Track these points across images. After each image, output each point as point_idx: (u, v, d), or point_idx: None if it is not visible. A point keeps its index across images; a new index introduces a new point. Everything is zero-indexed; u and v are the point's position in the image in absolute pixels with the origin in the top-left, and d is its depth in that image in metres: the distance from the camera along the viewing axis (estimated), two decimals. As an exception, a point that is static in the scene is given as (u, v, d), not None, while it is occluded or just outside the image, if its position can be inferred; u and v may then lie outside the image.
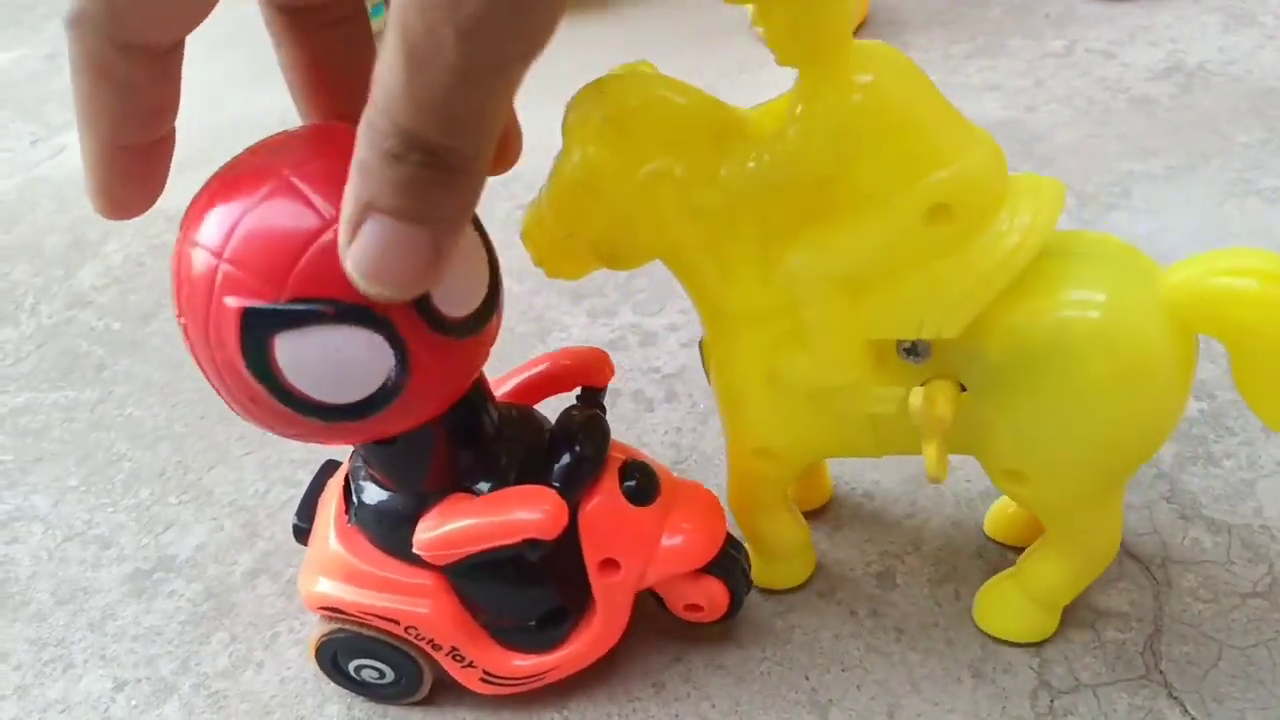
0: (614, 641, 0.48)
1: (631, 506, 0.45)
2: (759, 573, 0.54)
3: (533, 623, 0.47)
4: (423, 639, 0.46)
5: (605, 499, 0.44)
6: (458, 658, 0.47)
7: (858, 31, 0.99)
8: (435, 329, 0.36)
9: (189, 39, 0.34)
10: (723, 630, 0.52)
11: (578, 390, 0.49)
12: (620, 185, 0.41)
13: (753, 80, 0.94)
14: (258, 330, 0.33)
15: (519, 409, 0.47)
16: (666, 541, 0.46)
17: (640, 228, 0.42)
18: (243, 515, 0.63)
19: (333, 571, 0.45)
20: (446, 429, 0.41)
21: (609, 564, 0.45)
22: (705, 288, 0.44)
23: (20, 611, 0.59)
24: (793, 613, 0.53)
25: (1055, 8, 0.97)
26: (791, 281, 0.42)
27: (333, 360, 0.34)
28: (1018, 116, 0.85)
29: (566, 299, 0.75)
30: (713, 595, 0.49)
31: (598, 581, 0.46)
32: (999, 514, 0.56)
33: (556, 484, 0.43)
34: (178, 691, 0.54)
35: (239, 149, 0.36)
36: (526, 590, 0.46)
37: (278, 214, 0.33)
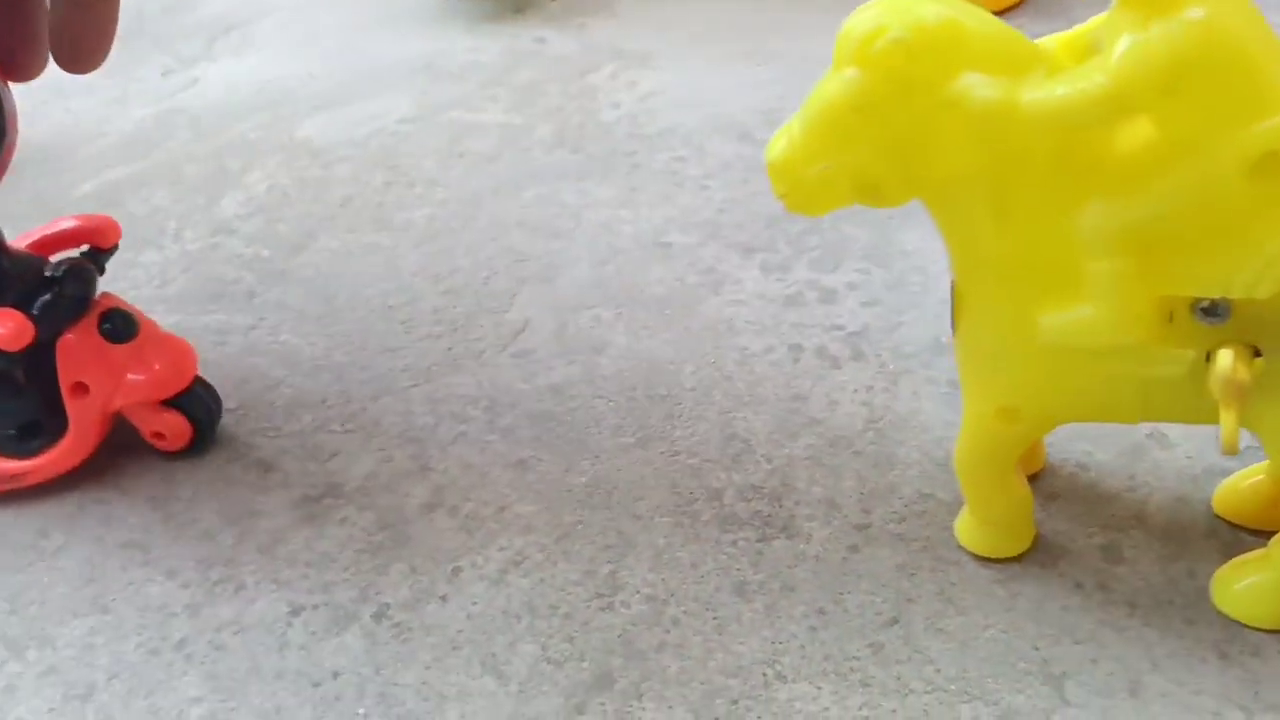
0: (85, 455, 0.58)
1: (106, 343, 0.55)
2: (979, 540, 0.51)
3: (13, 431, 0.57)
4: None
5: (82, 334, 0.54)
6: None
7: (1011, 10, 0.96)
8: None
9: None
10: (940, 592, 0.49)
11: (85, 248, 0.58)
12: (902, 111, 0.38)
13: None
14: None
15: (29, 256, 0.55)
16: (132, 375, 0.56)
17: (917, 158, 0.39)
18: (412, 447, 0.60)
19: None
20: None
21: (79, 387, 0.56)
22: (972, 231, 0.41)
23: (187, 530, 0.57)
24: (1014, 581, 0.50)
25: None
26: (1086, 230, 0.38)
27: None
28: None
29: (736, 252, 0.72)
30: (174, 426, 0.58)
31: (70, 402, 0.56)
32: (1231, 491, 0.52)
33: (34, 312, 0.52)
34: (358, 620, 0.51)
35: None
36: (8, 401, 0.56)
37: None
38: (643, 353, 0.65)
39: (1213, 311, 0.40)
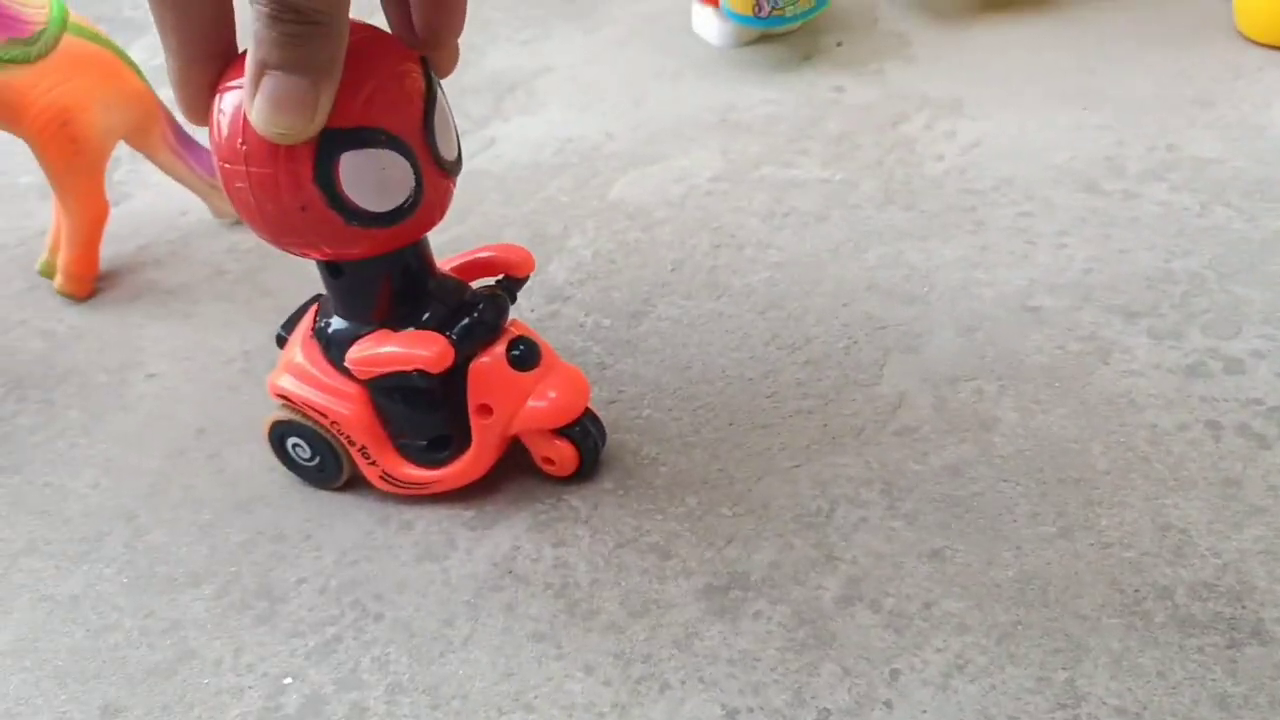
0: (483, 472, 0.61)
1: (511, 369, 0.57)
2: None
3: (424, 443, 0.61)
4: (342, 434, 0.60)
5: (492, 358, 0.57)
6: (365, 455, 0.61)
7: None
8: (439, 165, 0.51)
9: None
10: None
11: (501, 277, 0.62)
12: None
13: (1252, 85, 0.85)
14: (329, 148, 0.47)
15: (453, 280, 0.59)
16: (533, 403, 0.58)
17: None
18: (811, 534, 0.58)
19: (293, 371, 0.60)
20: (391, 281, 0.55)
21: (484, 409, 0.58)
22: None
23: (593, 620, 0.55)
24: None
25: None
26: None
27: (378, 176, 0.49)
28: None
29: (1118, 317, 0.67)
30: (563, 454, 0.61)
31: (475, 421, 0.59)
32: None
33: (453, 336, 0.56)
34: (802, 727, 0.48)
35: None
36: (423, 415, 0.59)
37: (353, 66, 0.46)
38: (1039, 430, 0.61)
39: None
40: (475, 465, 0.61)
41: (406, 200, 0.51)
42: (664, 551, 0.58)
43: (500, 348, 0.58)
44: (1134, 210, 0.76)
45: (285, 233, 0.51)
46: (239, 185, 0.49)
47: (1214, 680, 0.48)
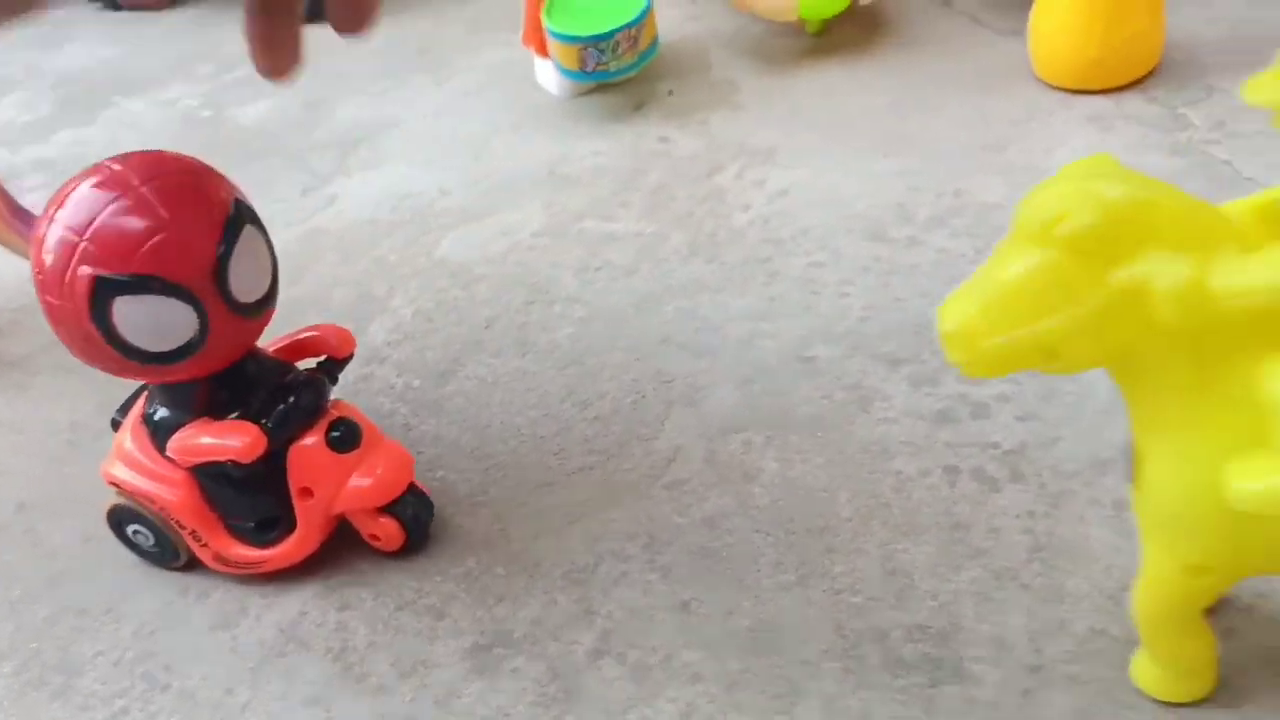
0: (310, 550, 0.63)
1: (331, 451, 0.59)
2: (1160, 685, 0.50)
3: (253, 524, 0.63)
4: (172, 518, 0.62)
5: (312, 442, 0.59)
6: (196, 538, 0.63)
7: (1148, 76, 0.94)
8: (231, 309, 0.55)
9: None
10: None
11: (321, 359, 0.64)
12: (1089, 291, 0.38)
13: (1047, 129, 0.90)
14: (104, 292, 0.51)
15: (273, 362, 0.62)
16: (354, 482, 0.60)
17: (1103, 333, 0.39)
18: (575, 590, 0.61)
19: (124, 459, 0.63)
20: (209, 378, 0.58)
21: (305, 491, 0.60)
22: (1157, 395, 0.41)
23: (364, 684, 0.58)
24: (1202, 728, 0.49)
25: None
26: (1273, 405, 0.38)
27: (154, 321, 0.53)
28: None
29: (883, 364, 0.72)
30: (389, 531, 0.62)
31: (298, 503, 0.61)
32: None
33: (268, 424, 0.58)
34: (538, 780, 0.52)
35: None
36: (249, 498, 0.62)
37: (128, 212, 0.52)
38: (796, 480, 0.65)
39: None
40: (302, 544, 0.63)
41: (187, 342, 0.54)
42: (439, 612, 0.62)
43: (320, 431, 0.60)
44: (915, 257, 0.80)
45: (80, 354, 0.55)
46: (42, 307, 0.54)
47: (913, 719, 0.51)
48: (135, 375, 0.56)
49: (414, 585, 0.63)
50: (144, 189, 0.53)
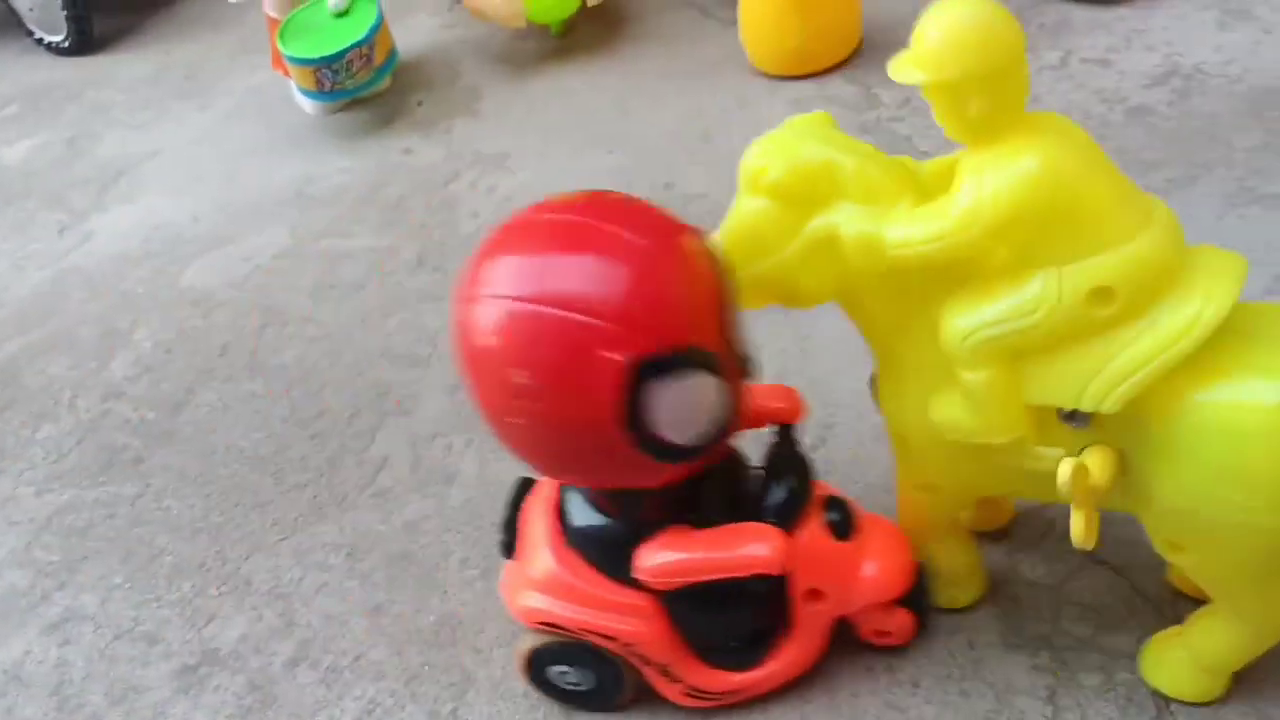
0: (811, 664, 0.51)
1: (834, 540, 0.48)
2: (940, 594, 0.55)
3: (734, 643, 0.51)
4: (636, 655, 0.49)
5: (812, 532, 0.48)
6: (666, 674, 0.50)
7: (851, 57, 1.00)
8: (740, 371, 0.44)
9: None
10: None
11: (774, 427, 0.52)
12: (792, 234, 0.46)
13: (754, 115, 0.95)
14: (639, 380, 0.39)
15: (723, 446, 0.48)
16: (865, 573, 0.49)
17: (805, 277, 0.46)
18: (280, 604, 0.65)
19: (550, 589, 0.49)
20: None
21: (814, 593, 0.49)
22: (874, 331, 0.49)
23: (78, 714, 0.62)
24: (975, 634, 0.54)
25: (1050, 16, 0.98)
26: (951, 345, 0.45)
27: (690, 403, 0.41)
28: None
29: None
30: (902, 623, 0.52)
31: (802, 609, 0.49)
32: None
33: (772, 519, 0.47)
34: (228, 788, 0.56)
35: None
36: (732, 614, 0.49)
37: (641, 271, 0.41)
38: (490, 478, 0.69)
39: (1073, 418, 0.45)
40: (803, 658, 0.52)
41: (720, 424, 0.44)
42: (153, 638, 0.65)
43: (816, 518, 0.50)
44: (622, 252, 0.85)
45: (567, 471, 0.46)
46: (513, 421, 0.43)
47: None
48: (648, 479, 0.44)
49: (132, 614, 0.66)
50: (638, 240, 0.42)
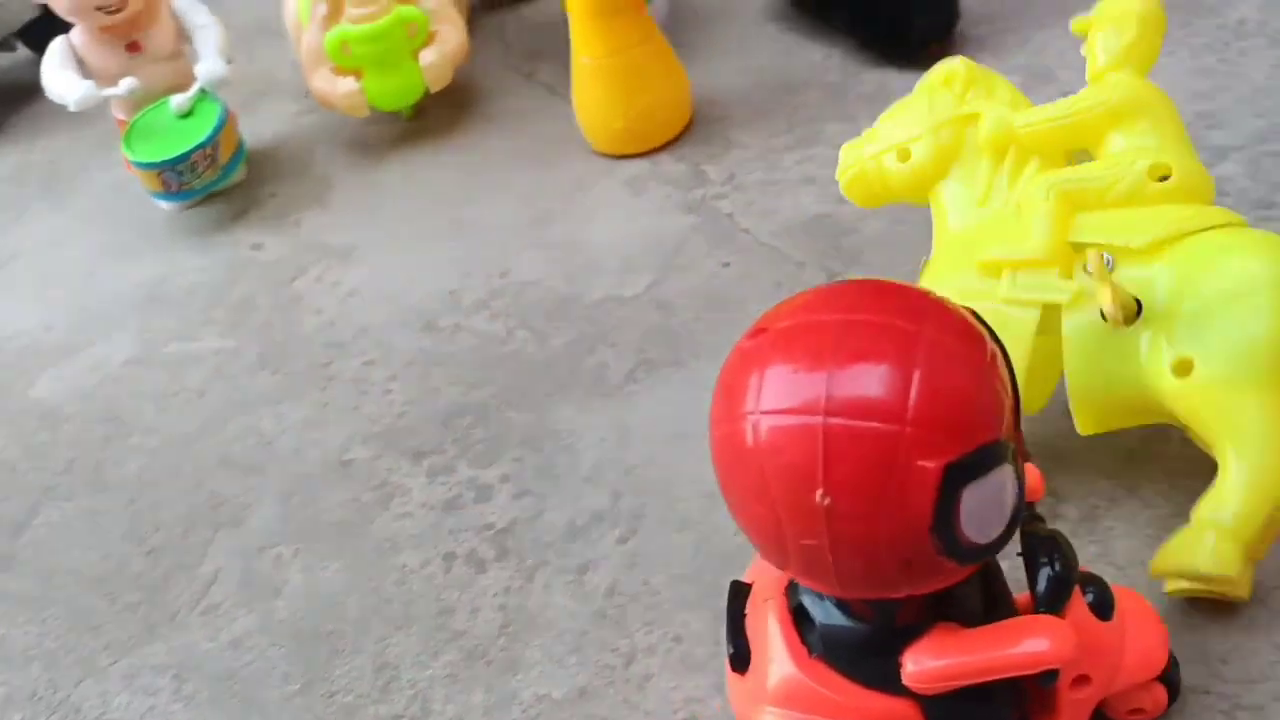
0: None
1: (1097, 620, 0.46)
2: None
3: None
4: None
5: (1076, 616, 0.45)
6: None
7: (684, 133, 1.02)
8: (1026, 455, 0.42)
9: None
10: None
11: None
12: (952, 108, 0.64)
13: (586, 197, 0.98)
14: (951, 485, 0.37)
15: None
16: (1128, 652, 0.47)
17: (949, 143, 0.64)
18: (107, 731, 0.66)
19: (795, 702, 0.45)
20: None
21: (1081, 680, 0.46)
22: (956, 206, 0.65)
23: None
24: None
25: (867, 86, 1.01)
26: (1043, 183, 0.60)
27: (996, 500, 0.39)
28: (829, 211, 0.89)
29: (408, 459, 0.78)
30: (1157, 699, 0.51)
31: (1066, 696, 0.46)
32: None
33: (1043, 606, 0.44)
34: None
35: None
36: (996, 709, 0.46)
37: (932, 365, 0.37)
38: (316, 589, 0.71)
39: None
40: None
41: (1014, 516, 0.41)
42: (-19, 776, 0.66)
43: (1077, 598, 0.46)
44: (456, 345, 0.87)
45: (858, 585, 0.41)
46: (808, 543, 0.39)
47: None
48: (935, 583, 0.41)
49: (-39, 751, 0.67)
50: (918, 329, 0.38)
